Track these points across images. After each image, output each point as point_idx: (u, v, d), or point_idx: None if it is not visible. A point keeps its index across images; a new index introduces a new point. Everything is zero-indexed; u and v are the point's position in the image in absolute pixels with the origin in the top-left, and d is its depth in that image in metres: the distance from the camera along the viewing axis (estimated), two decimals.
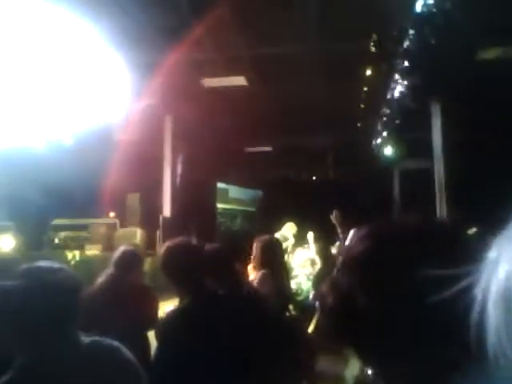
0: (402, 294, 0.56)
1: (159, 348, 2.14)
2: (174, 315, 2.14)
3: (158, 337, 2.15)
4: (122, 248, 3.22)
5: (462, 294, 0.40)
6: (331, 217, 4.97)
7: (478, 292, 0.37)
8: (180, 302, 2.34)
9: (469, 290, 0.39)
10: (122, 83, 7.48)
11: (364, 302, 0.64)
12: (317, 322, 3.80)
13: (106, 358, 1.64)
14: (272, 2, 6.34)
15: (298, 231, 8.83)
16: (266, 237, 3.55)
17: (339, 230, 4.93)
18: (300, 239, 8.66)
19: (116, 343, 1.70)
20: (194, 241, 2.34)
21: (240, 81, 8.94)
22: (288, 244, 8.62)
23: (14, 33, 6.06)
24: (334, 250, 6.49)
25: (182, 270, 2.15)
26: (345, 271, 0.74)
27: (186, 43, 7.45)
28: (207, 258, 2.35)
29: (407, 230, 0.74)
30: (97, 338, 1.65)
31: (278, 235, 8.67)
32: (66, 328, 1.52)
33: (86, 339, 1.62)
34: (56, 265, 1.59)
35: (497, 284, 0.35)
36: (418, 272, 0.51)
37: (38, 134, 8.40)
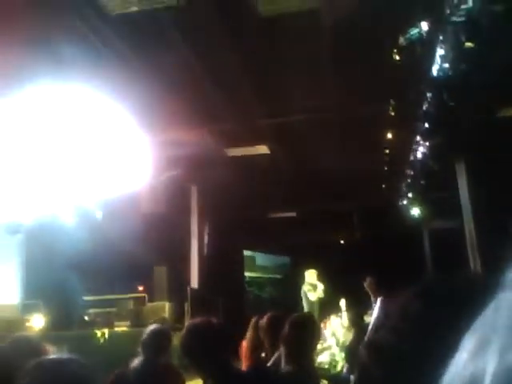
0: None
1: None
2: None
3: None
4: (150, 328, 3.17)
5: None
6: (365, 284, 4.84)
7: None
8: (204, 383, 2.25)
9: None
10: (147, 156, 7.69)
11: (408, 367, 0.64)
12: None
13: None
14: (292, 70, 6.55)
15: (329, 298, 8.68)
16: (298, 317, 3.14)
17: (373, 298, 4.77)
18: (332, 306, 8.45)
19: None
20: (215, 319, 2.27)
21: (262, 149, 9.10)
22: (319, 291, 8.55)
23: (44, 111, 6.38)
24: (367, 318, 6.27)
25: (201, 351, 2.09)
26: (392, 333, 0.74)
27: (207, 115, 7.70)
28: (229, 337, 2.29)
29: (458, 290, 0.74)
30: None
31: (306, 286, 8.62)
32: None
33: None
34: (66, 356, 1.56)
35: None
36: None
37: (67, 206, 8.60)
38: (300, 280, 9.35)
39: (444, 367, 0.51)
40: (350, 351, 4.90)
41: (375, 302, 4.84)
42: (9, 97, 6.15)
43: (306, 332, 2.90)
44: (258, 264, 15.40)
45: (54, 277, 8.64)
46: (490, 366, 0.32)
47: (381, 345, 0.79)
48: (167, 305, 8.97)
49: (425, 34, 5.32)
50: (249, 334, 3.84)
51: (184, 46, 5.80)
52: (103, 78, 6.05)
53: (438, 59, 5.93)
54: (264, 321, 3.54)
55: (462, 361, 0.35)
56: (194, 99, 7.12)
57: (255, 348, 3.68)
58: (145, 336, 3.07)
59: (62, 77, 5.85)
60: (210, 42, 5.81)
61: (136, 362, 2.98)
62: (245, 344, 3.91)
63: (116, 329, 8.13)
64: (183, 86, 6.75)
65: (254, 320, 3.80)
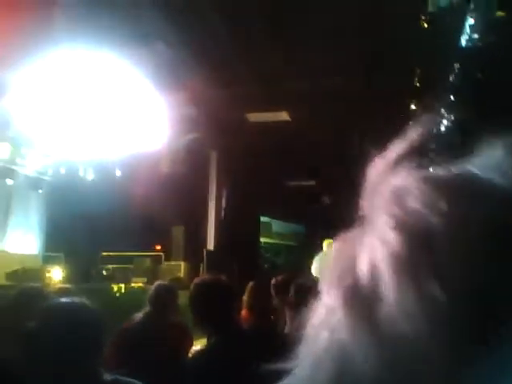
0: None
1: None
2: (198, 356, 2.12)
3: (183, 378, 2.12)
4: (156, 285, 3.23)
5: None
6: None
7: None
8: (208, 340, 2.31)
9: None
10: (167, 117, 7.72)
11: None
12: None
13: None
14: (315, 36, 6.42)
15: None
16: (301, 281, 3.20)
17: None
18: None
19: (137, 382, 1.69)
20: (224, 278, 2.31)
21: (282, 116, 9.01)
22: None
23: (67, 71, 6.44)
24: None
25: (206, 306, 2.13)
26: None
27: (229, 78, 7.63)
28: (236, 296, 2.33)
29: None
30: (118, 377, 1.65)
31: (322, 255, 8.57)
32: (85, 365, 1.53)
33: (107, 377, 1.62)
34: (77, 301, 1.61)
35: None
36: None
37: (87, 165, 8.75)
38: (314, 249, 9.35)
39: None
40: None
41: None
42: (34, 60, 6.21)
43: (310, 296, 2.91)
44: (275, 230, 15.50)
45: (74, 232, 8.85)
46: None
47: None
48: (183, 264, 9.14)
49: (455, 1, 5.14)
50: (244, 298, 3.54)
51: (206, 6, 5.72)
52: (125, 40, 6.03)
53: (467, 29, 5.73)
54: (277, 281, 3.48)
55: None
56: (216, 61, 7.05)
57: (253, 312, 3.49)
58: (151, 292, 3.13)
59: (83, 40, 5.88)
60: (234, 2, 5.71)
61: (139, 316, 3.05)
62: (243, 312, 3.73)
63: (133, 285, 8.34)
64: (203, 48, 6.68)
65: (250, 286, 3.52)
